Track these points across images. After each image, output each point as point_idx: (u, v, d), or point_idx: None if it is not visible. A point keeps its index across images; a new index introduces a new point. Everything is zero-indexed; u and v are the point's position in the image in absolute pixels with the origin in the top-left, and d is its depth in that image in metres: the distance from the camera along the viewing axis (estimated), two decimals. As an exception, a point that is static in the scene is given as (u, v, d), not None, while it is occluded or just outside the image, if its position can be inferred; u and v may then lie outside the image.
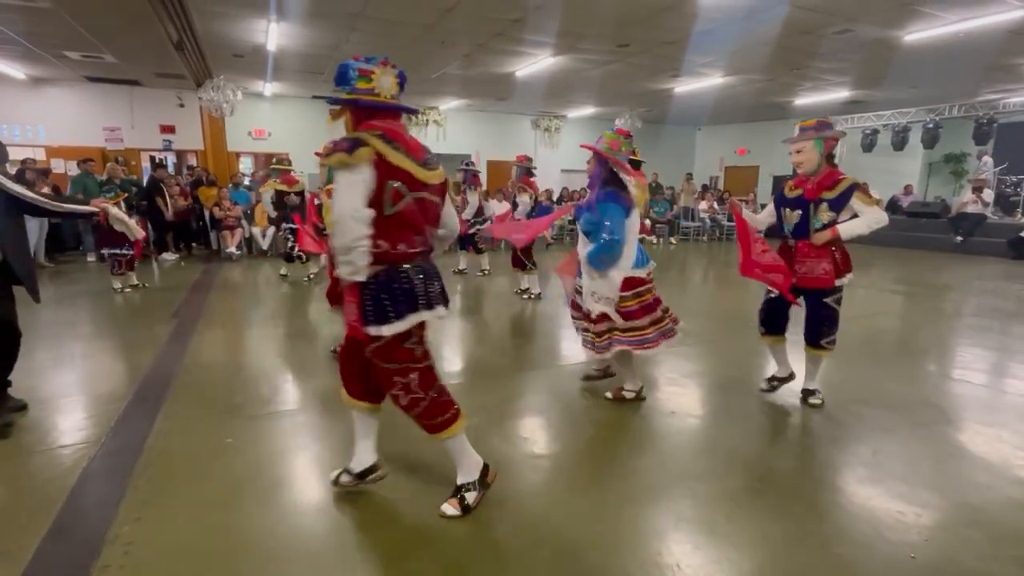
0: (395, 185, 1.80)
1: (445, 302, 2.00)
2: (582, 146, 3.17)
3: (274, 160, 7.67)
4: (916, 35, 6.74)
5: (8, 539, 1.94)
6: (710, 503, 2.21)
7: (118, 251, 6.13)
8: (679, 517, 2.12)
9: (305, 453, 2.62)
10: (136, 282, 6.49)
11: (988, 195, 10.84)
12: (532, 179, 6.47)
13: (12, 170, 7.41)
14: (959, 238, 10.75)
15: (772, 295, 3.20)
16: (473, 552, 1.91)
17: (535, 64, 8.53)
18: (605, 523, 2.08)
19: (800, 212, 3.02)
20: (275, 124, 11.80)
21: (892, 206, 12.65)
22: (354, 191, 1.74)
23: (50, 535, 1.94)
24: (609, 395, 3.26)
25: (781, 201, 3.13)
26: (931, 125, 11.04)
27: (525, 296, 6.23)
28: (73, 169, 9.28)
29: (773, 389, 3.40)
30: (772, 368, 3.48)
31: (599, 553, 1.90)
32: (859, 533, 2.02)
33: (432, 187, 1.95)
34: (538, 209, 6.31)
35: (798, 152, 2.98)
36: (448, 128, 13.53)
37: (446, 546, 1.93)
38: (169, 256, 9.13)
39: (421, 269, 1.92)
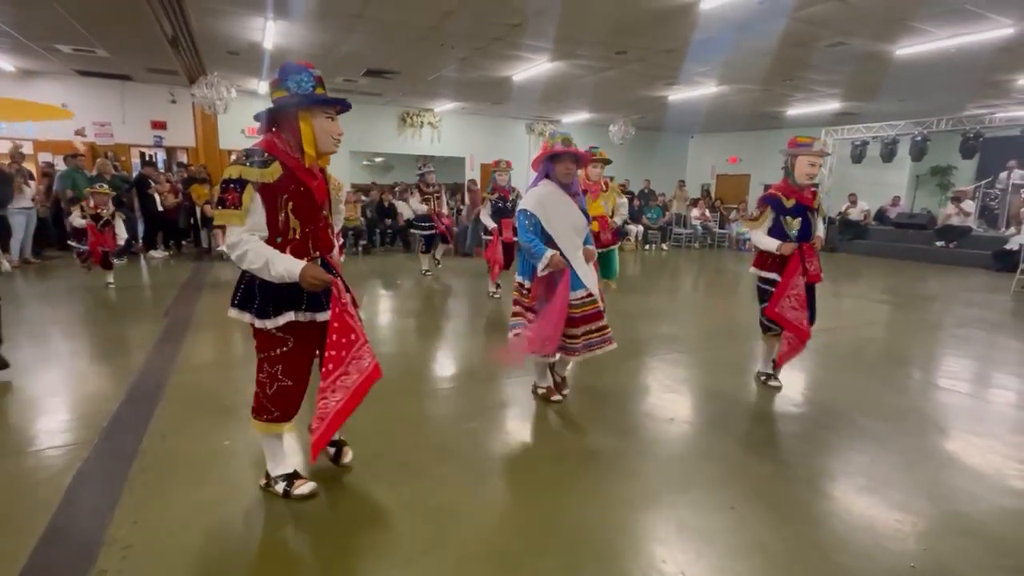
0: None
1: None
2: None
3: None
4: (908, 50, 6.85)
5: (3, 542, 1.89)
6: (711, 511, 2.22)
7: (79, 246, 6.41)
8: (681, 524, 2.12)
9: (302, 455, 2.59)
10: (111, 280, 6.44)
11: (968, 205, 11.06)
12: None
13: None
14: (940, 243, 11.09)
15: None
16: (478, 557, 1.90)
17: (532, 69, 8.55)
18: (608, 528, 2.08)
19: (801, 219, 3.29)
20: (269, 122, 11.70)
21: (880, 217, 12.88)
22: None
23: (45, 538, 1.90)
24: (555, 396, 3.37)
25: (782, 211, 3.30)
26: (919, 138, 11.22)
27: (498, 296, 6.33)
28: (60, 164, 9.11)
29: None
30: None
31: (604, 559, 1.90)
32: (859, 543, 2.04)
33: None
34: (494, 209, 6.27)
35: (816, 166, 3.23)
36: (442, 131, 13.52)
37: (449, 551, 1.92)
38: (157, 253, 9.03)
39: None
